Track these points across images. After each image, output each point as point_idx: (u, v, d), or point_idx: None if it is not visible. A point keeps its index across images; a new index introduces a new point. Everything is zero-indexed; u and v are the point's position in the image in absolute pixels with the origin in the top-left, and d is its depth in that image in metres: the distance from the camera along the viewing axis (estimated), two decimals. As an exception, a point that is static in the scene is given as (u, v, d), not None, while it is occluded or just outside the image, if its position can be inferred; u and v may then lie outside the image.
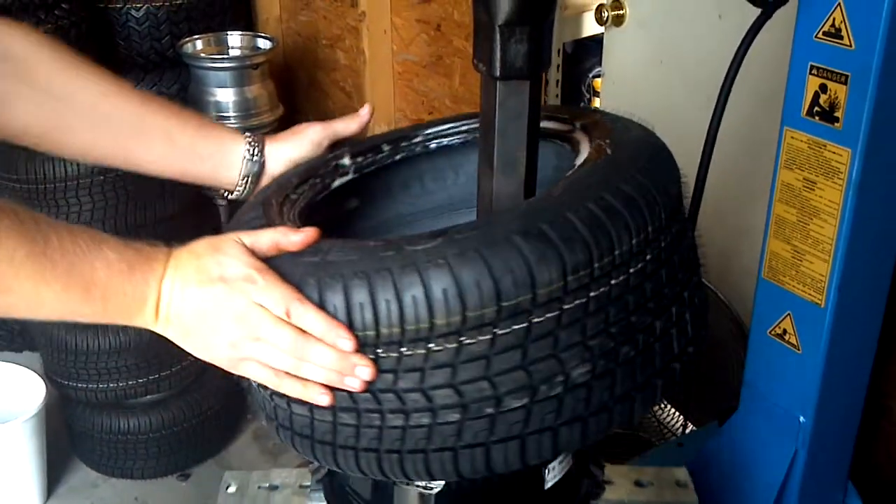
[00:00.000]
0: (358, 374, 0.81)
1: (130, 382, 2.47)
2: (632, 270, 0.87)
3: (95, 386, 2.46)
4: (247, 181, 1.16)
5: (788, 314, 1.53)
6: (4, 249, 0.79)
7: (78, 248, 0.82)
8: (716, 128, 1.49)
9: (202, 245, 0.87)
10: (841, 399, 1.61)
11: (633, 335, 0.88)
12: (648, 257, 0.89)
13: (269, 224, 0.97)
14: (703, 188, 1.53)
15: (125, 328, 2.40)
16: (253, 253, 0.85)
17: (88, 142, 1.14)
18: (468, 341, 0.82)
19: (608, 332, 0.86)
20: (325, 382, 0.83)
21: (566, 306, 0.83)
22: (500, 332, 0.82)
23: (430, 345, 0.82)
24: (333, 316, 0.81)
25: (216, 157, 1.16)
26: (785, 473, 1.62)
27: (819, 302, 1.47)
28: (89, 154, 1.18)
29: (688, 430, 2.14)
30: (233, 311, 0.82)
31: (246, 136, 1.17)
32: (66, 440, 2.68)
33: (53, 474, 2.61)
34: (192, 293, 0.84)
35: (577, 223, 0.84)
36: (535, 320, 0.83)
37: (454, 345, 0.82)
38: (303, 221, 1.03)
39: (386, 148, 1.25)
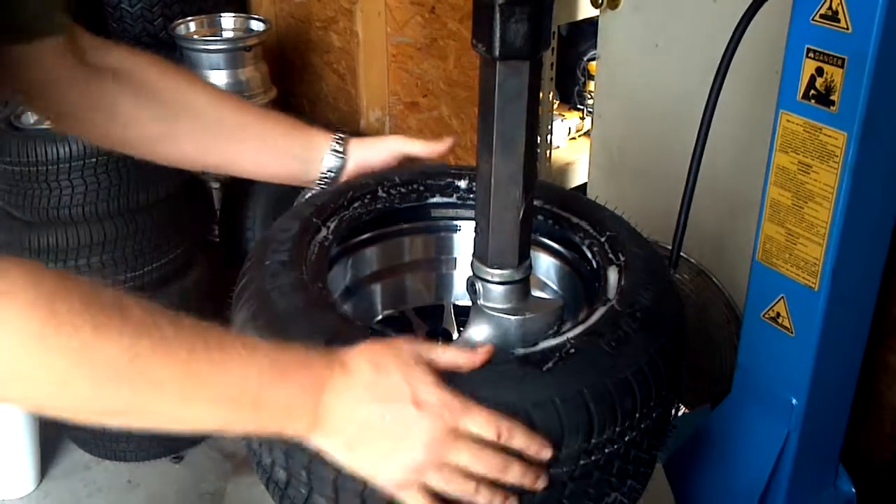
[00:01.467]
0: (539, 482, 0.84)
1: (124, 365, 2.47)
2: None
3: (89, 368, 2.46)
4: (328, 174, 1.25)
5: (782, 297, 1.54)
6: (149, 374, 0.72)
7: (227, 356, 0.76)
8: (711, 111, 1.49)
9: (385, 359, 0.81)
10: (833, 382, 1.62)
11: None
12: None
13: None
14: (698, 171, 1.54)
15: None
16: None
17: (200, 149, 1.22)
18: None
19: None
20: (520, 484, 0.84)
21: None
22: None
23: None
24: None
25: (305, 156, 1.25)
26: (777, 455, 1.63)
27: (813, 285, 1.48)
28: (198, 160, 1.26)
29: (680, 413, 2.15)
30: (427, 435, 0.78)
31: (335, 136, 1.25)
32: (58, 423, 2.67)
33: (46, 456, 2.61)
34: (373, 409, 0.79)
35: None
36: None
37: None
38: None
39: None
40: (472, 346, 1.09)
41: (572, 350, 0.95)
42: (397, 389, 0.79)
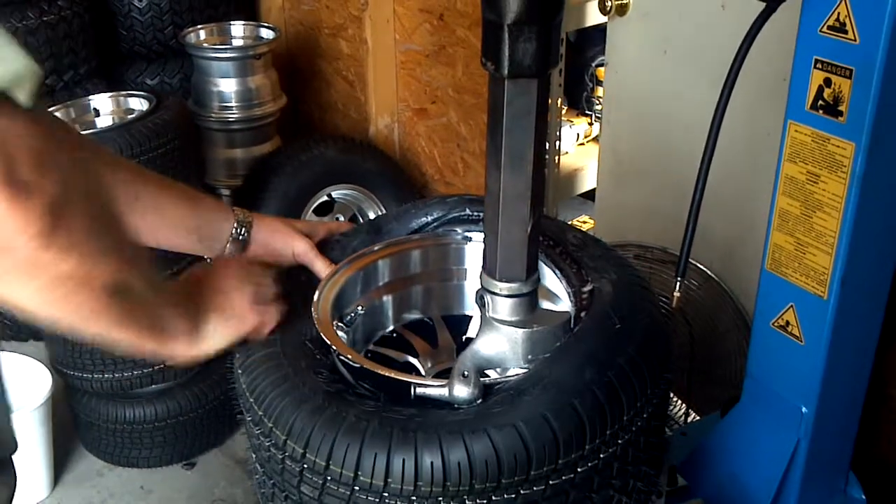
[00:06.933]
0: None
1: (136, 372, 2.48)
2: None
3: (101, 376, 2.48)
4: (231, 254, 1.30)
5: (791, 306, 1.54)
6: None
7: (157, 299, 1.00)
8: (720, 118, 1.49)
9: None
10: (843, 389, 1.62)
11: None
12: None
13: None
14: (706, 178, 1.53)
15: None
16: None
17: None
18: None
19: None
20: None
21: None
22: None
23: None
24: None
25: (204, 232, 1.28)
26: (787, 463, 1.63)
27: (822, 294, 1.48)
28: None
29: (690, 420, 2.16)
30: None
31: (235, 215, 1.29)
32: (71, 430, 2.70)
33: (59, 463, 2.63)
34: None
35: None
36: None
37: None
38: None
39: None
40: (479, 357, 1.11)
41: None
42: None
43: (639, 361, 1.06)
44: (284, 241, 1.32)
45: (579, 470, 1.00)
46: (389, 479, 0.97)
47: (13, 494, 1.22)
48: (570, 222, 3.33)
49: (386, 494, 0.98)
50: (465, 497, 0.97)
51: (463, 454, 0.95)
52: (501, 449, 0.96)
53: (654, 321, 1.16)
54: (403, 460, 0.96)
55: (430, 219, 1.40)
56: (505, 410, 1.00)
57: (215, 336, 1.10)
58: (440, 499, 0.97)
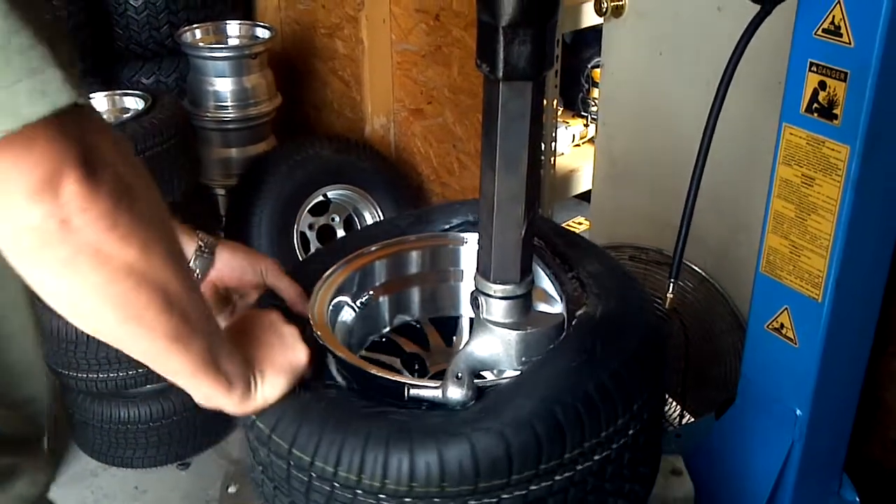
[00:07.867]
0: None
1: (130, 372, 2.48)
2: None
3: (95, 375, 2.47)
4: (196, 275, 1.24)
5: (786, 308, 1.54)
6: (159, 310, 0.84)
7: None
8: (715, 120, 1.49)
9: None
10: (837, 392, 1.62)
11: None
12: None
13: None
14: (700, 180, 1.54)
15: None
16: None
17: None
18: None
19: None
20: None
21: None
22: None
23: None
24: None
25: None
26: (781, 465, 1.64)
27: (816, 297, 1.48)
28: None
29: (685, 421, 2.16)
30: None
31: (199, 237, 1.24)
32: (65, 429, 2.69)
33: (53, 463, 2.62)
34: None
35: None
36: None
37: None
38: None
39: None
40: (473, 359, 1.11)
41: None
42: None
43: (609, 386, 1.05)
44: (250, 259, 1.27)
45: None
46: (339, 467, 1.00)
47: (49, 483, 1.16)
48: (564, 223, 3.33)
49: (337, 484, 1.00)
50: (381, 496, 1.00)
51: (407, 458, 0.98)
52: (433, 460, 0.98)
53: (635, 355, 1.12)
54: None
55: (470, 218, 1.42)
56: (453, 424, 1.01)
57: (269, 385, 1.04)
58: (382, 496, 0.99)
